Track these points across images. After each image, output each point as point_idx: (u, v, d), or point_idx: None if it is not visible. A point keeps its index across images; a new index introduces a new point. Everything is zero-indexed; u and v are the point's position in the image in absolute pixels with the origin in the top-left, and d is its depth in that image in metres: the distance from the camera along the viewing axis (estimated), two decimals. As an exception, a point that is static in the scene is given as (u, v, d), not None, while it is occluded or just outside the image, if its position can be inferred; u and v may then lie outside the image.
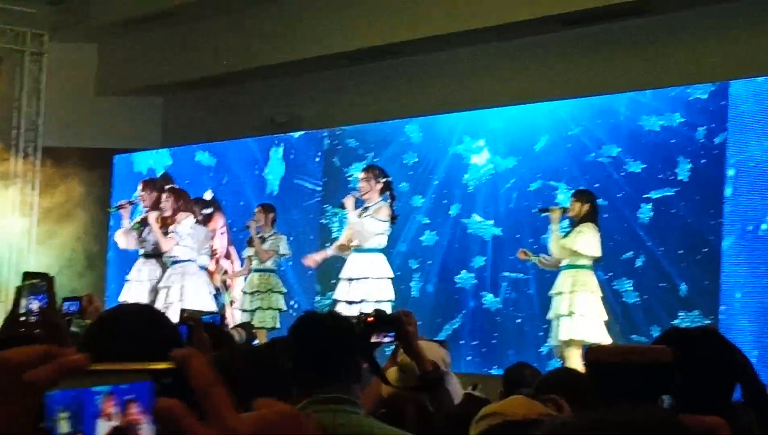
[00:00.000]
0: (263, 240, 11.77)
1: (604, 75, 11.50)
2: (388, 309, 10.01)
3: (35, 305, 3.44)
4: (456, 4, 12.02)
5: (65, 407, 1.06)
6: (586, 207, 9.91)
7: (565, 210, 10.03)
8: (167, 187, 12.17)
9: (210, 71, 14.62)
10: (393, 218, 10.84)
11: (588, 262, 9.90)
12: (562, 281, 9.89)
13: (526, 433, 2.57)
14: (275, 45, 13.70)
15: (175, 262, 11.70)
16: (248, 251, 12.01)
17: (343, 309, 10.29)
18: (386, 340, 3.96)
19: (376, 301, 10.42)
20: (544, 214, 10.27)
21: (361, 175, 11.03)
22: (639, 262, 10.69)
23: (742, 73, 10.22)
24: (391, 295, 10.79)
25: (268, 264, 11.78)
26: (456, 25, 12.06)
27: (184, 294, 11.44)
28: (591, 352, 1.89)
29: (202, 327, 3.74)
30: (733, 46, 10.66)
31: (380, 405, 3.92)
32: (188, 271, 11.65)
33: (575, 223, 9.92)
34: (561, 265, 9.97)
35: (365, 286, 10.72)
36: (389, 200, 10.82)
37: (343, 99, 13.66)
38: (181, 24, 14.67)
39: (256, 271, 11.77)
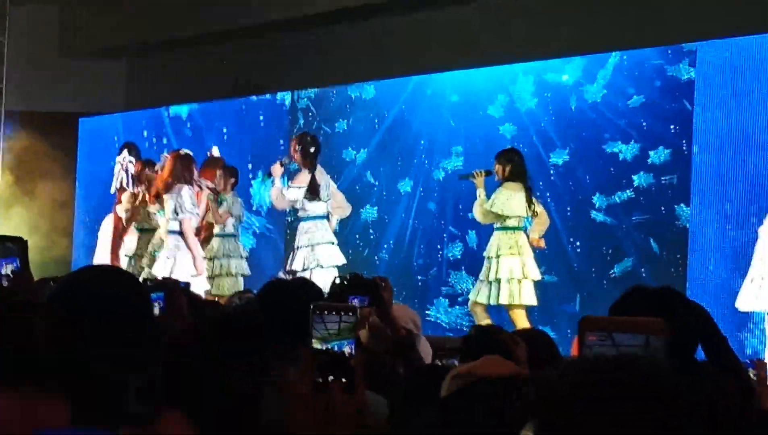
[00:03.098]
0: (219, 203, 11.63)
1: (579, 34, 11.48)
2: (334, 273, 10.25)
3: (8, 269, 3.43)
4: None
5: None
6: (508, 167, 9.99)
7: (488, 173, 10.07)
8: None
9: (173, 33, 14.52)
10: (314, 187, 10.85)
11: (519, 223, 9.99)
12: (500, 243, 9.93)
13: (499, 390, 2.60)
14: (239, 6, 13.61)
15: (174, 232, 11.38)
16: (206, 216, 11.75)
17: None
18: (360, 303, 3.97)
19: (317, 267, 10.64)
20: (464, 180, 10.40)
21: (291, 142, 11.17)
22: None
23: (710, 34, 10.22)
24: (339, 260, 10.88)
25: (229, 228, 11.68)
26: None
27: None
28: (585, 322, 1.89)
29: (180, 291, 3.72)
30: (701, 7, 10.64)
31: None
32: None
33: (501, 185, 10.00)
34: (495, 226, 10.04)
35: (311, 253, 10.81)
36: (310, 168, 10.87)
37: (307, 61, 13.59)
38: (144, -15, 14.54)
39: (217, 235, 11.64)
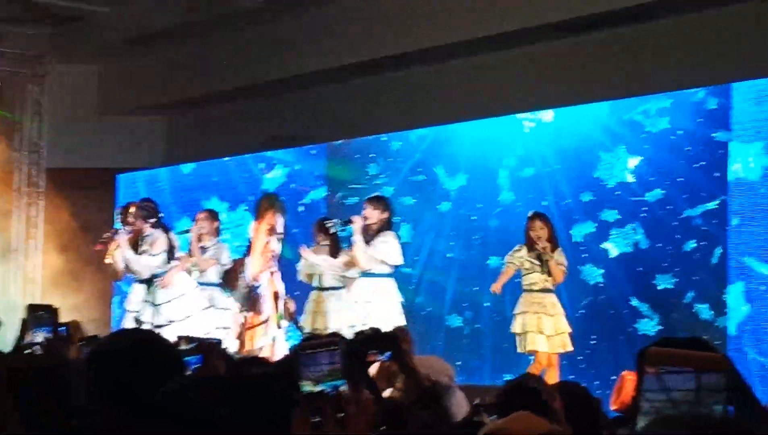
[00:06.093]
0: (204, 249, 11.44)
1: (604, 82, 11.51)
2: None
3: (41, 337, 3.51)
4: (454, 15, 12.02)
5: None
6: (385, 215, 10.09)
7: (364, 219, 10.09)
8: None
9: (211, 89, 14.67)
10: (171, 248, 11.01)
11: (390, 270, 10.06)
12: (365, 289, 10.00)
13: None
14: (276, 61, 13.74)
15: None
16: (188, 261, 11.44)
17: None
18: (382, 357, 4.02)
19: (186, 318, 10.84)
20: (345, 226, 10.33)
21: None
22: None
23: (744, 75, 10.19)
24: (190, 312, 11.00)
25: (211, 277, 11.46)
26: (463, 34, 12.03)
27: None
28: (649, 354, 1.96)
29: (218, 353, 3.76)
30: (734, 48, 10.61)
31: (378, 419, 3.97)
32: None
33: (375, 230, 10.03)
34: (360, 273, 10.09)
35: (177, 306, 10.96)
36: (163, 229, 11.06)
37: (345, 113, 13.68)
38: (181, 42, 14.70)
39: (201, 284, 11.34)
